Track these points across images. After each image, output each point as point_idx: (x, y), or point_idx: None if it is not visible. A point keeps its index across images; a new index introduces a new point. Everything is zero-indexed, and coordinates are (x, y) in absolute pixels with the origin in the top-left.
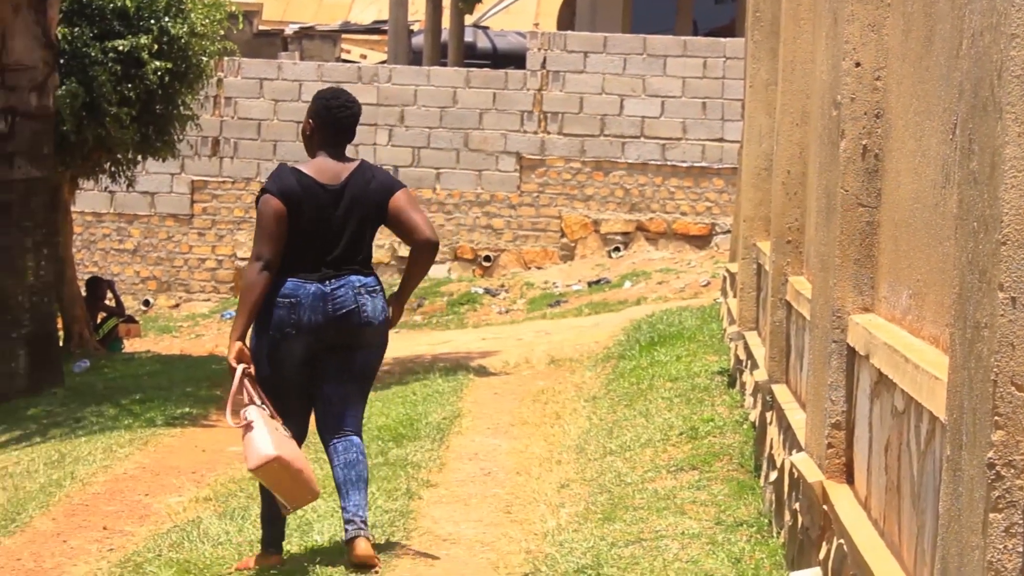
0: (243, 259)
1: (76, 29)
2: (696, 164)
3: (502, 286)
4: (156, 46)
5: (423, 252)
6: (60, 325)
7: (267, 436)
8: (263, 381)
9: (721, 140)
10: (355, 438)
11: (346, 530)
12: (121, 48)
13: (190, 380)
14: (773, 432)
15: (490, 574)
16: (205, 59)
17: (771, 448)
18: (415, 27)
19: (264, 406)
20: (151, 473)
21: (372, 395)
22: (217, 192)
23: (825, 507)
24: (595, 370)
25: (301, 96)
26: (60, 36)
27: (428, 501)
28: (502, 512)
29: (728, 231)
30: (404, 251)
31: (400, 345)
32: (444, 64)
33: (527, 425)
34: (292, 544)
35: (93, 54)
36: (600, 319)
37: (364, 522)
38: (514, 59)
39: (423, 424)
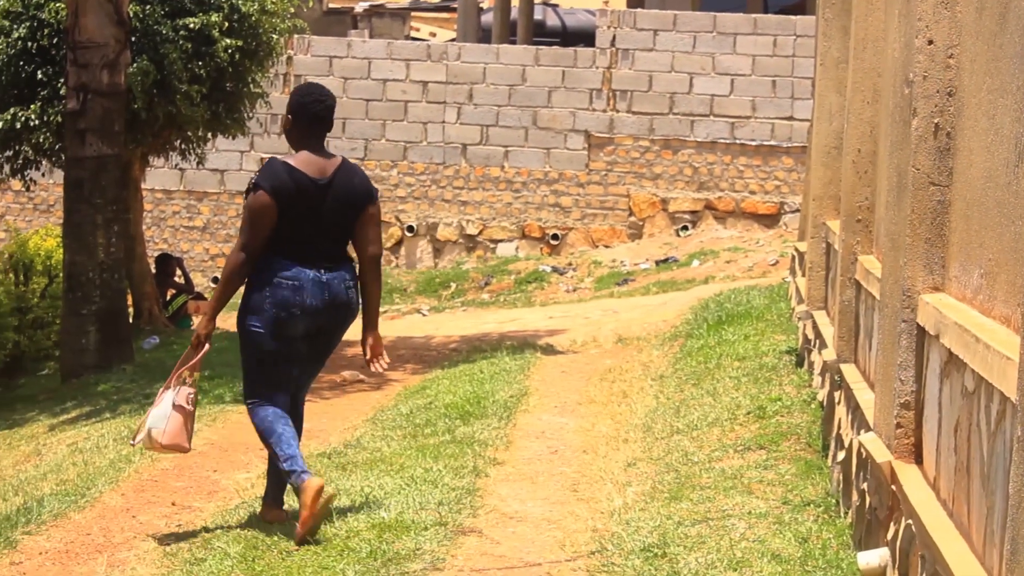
0: None
1: (147, 7)
2: (765, 143)
3: (570, 264)
4: (227, 24)
5: (374, 266)
6: (130, 302)
7: (181, 427)
8: (268, 354)
9: (791, 118)
10: (299, 408)
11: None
12: (192, 26)
13: None
14: (841, 412)
15: (556, 552)
16: (275, 37)
17: (839, 428)
18: (484, 5)
19: (191, 383)
20: (219, 449)
21: (440, 372)
22: None
23: (893, 487)
24: (662, 349)
25: (370, 74)
26: (131, 14)
27: (495, 479)
28: (569, 490)
29: (797, 210)
30: (471, 229)
31: (467, 323)
32: (513, 42)
33: (594, 404)
34: (359, 521)
35: (164, 32)
36: (668, 298)
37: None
38: (583, 37)
39: (490, 402)
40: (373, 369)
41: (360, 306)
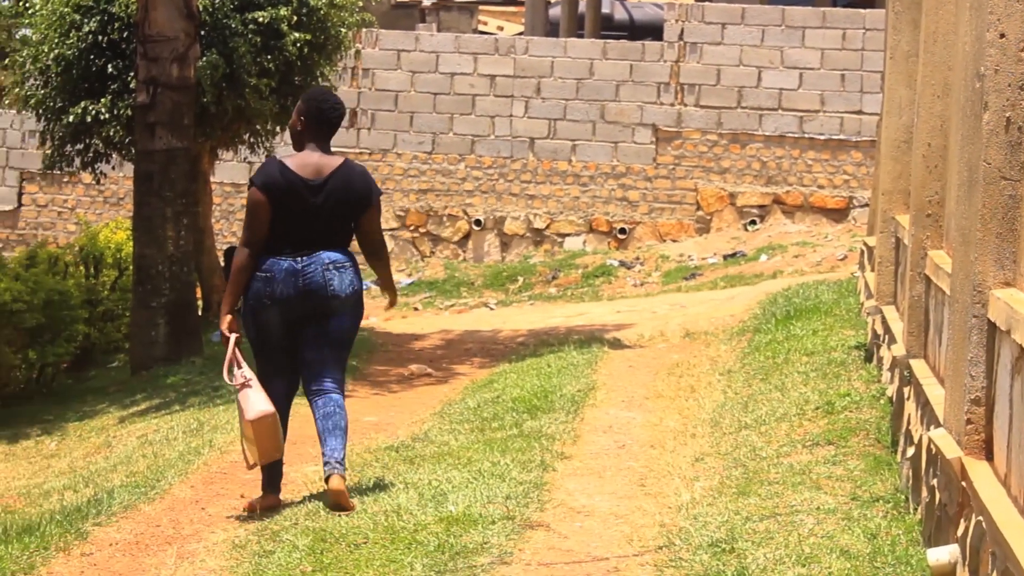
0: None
1: (217, 1)
2: (834, 137)
3: (637, 259)
4: (295, 17)
5: (374, 248)
6: (199, 295)
7: (263, 394)
8: (251, 343)
9: (860, 112)
10: (333, 395)
11: (324, 470)
12: (261, 19)
13: None
14: (911, 407)
15: (624, 547)
16: (343, 30)
17: (908, 423)
18: None
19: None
20: (288, 442)
21: (507, 366)
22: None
23: (963, 484)
24: (730, 344)
25: (438, 68)
26: (201, 8)
27: (562, 473)
28: (636, 485)
29: (866, 204)
30: (538, 224)
31: (534, 317)
32: (581, 36)
33: (662, 398)
34: (427, 514)
35: (234, 25)
36: (735, 292)
37: (339, 462)
38: (651, 31)
39: (557, 396)
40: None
41: (351, 290)
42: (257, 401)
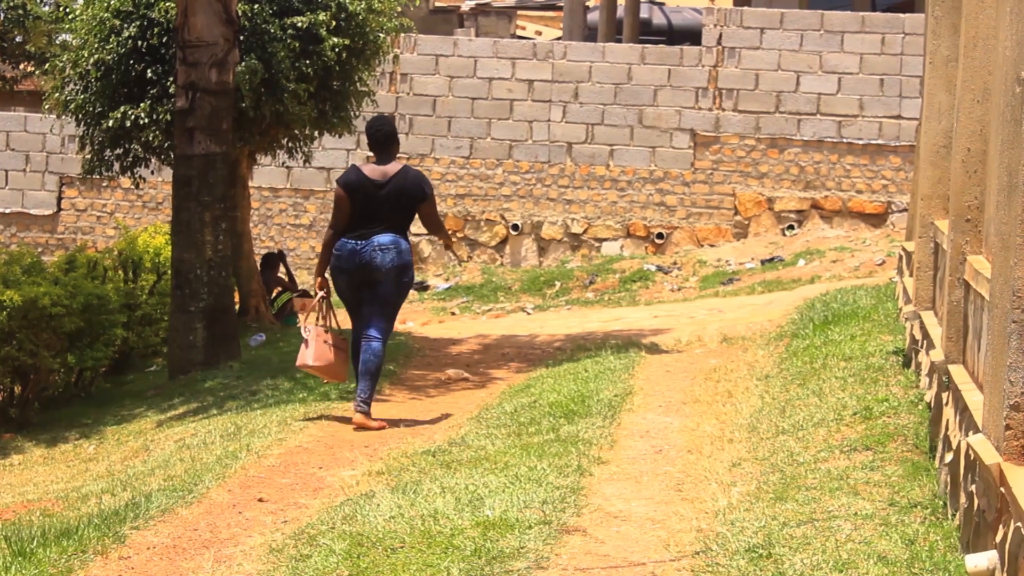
0: (415, 235)
1: (256, 6)
2: (873, 141)
3: (674, 263)
4: (334, 22)
5: (432, 225)
6: (236, 299)
7: (312, 350)
8: (342, 298)
9: (899, 117)
10: (375, 344)
11: (352, 405)
12: (300, 24)
13: None
14: (949, 413)
15: (661, 552)
16: (382, 35)
17: (947, 429)
18: (590, 3)
19: (323, 324)
20: (325, 446)
21: (544, 371)
22: None
23: (1002, 489)
24: (768, 349)
25: (476, 73)
26: (240, 13)
27: (599, 478)
28: (673, 490)
29: (904, 209)
30: (576, 228)
31: (572, 321)
32: (619, 40)
33: (699, 403)
34: (464, 519)
35: (272, 30)
36: (773, 297)
37: (363, 401)
38: (689, 35)
39: (594, 401)
40: (453, 251)
41: (393, 264)
42: (303, 355)
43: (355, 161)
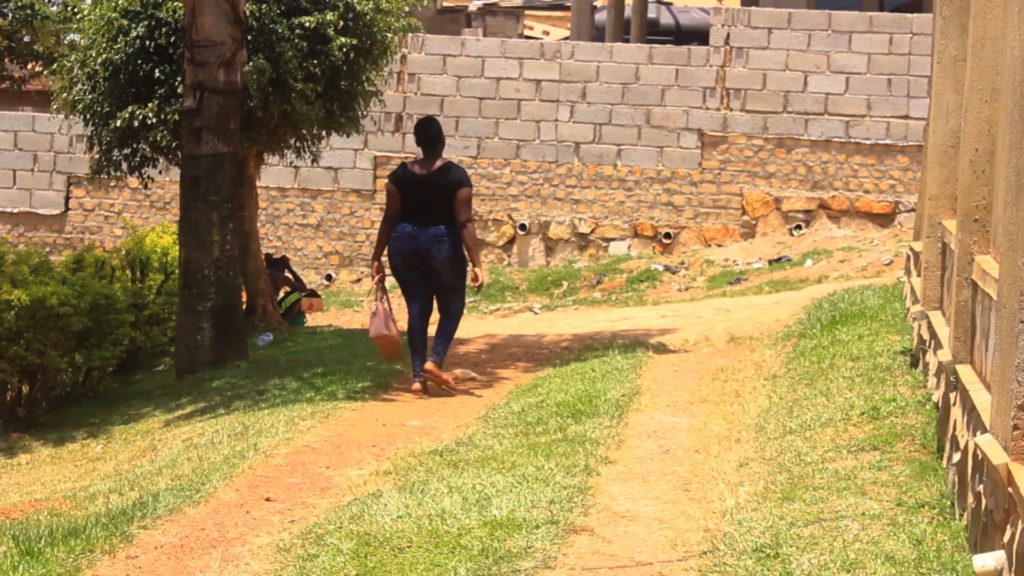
0: None
1: (263, 6)
2: (880, 141)
3: (682, 263)
4: (342, 22)
5: (463, 228)
6: (244, 299)
7: (382, 322)
8: (397, 278)
9: (906, 117)
10: (452, 311)
11: (429, 358)
12: (307, 24)
13: (371, 354)
14: (957, 413)
15: (668, 552)
16: (389, 35)
17: (954, 429)
18: (598, 3)
19: (384, 302)
20: (332, 446)
21: (551, 371)
22: None
23: (1010, 490)
24: (775, 348)
25: (484, 73)
26: (248, 13)
27: (606, 478)
28: (681, 490)
29: (912, 209)
30: (583, 228)
31: (579, 321)
32: (627, 40)
33: (706, 403)
34: (471, 518)
35: (280, 30)
36: (781, 297)
37: (436, 352)
38: (697, 35)
39: (602, 401)
40: (475, 287)
41: (448, 255)
42: (375, 326)
43: (363, 162)
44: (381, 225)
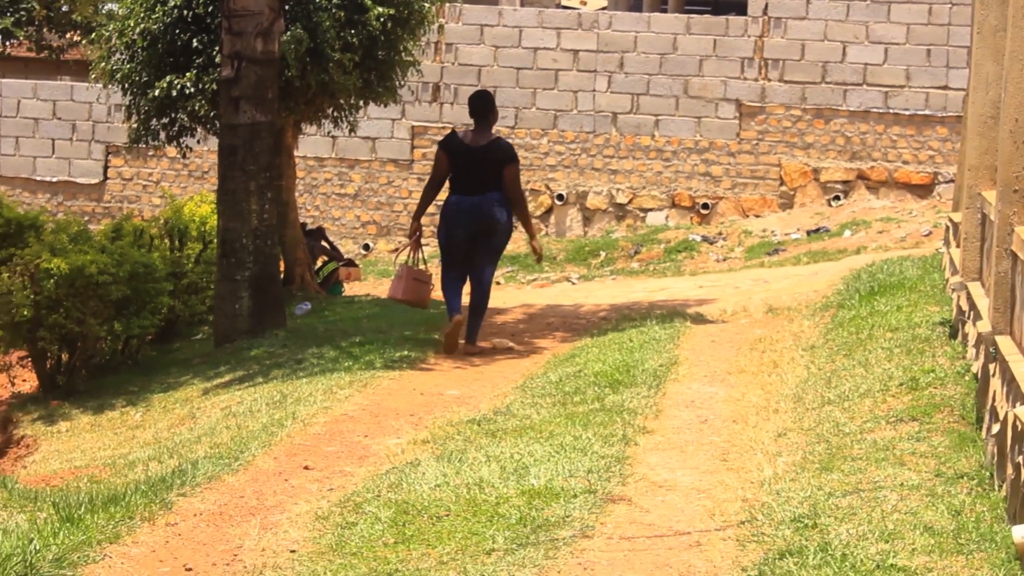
0: None
1: None
2: (919, 112)
3: (720, 234)
4: None
5: (514, 199)
6: (282, 268)
7: (400, 284)
8: (440, 245)
9: (946, 88)
10: (483, 281)
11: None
12: None
13: (408, 323)
14: (996, 384)
15: (706, 521)
16: (427, 5)
17: (994, 400)
18: None
19: (413, 263)
20: (370, 415)
21: (589, 341)
22: (437, 137)
23: None
24: (813, 319)
25: (521, 43)
26: None
27: (644, 448)
28: (718, 460)
29: (951, 180)
30: (621, 198)
31: (617, 291)
32: (664, 10)
33: (744, 373)
34: (509, 487)
35: (317, 0)
36: (819, 268)
37: (472, 333)
38: (735, 5)
39: (639, 371)
40: (536, 257)
41: (506, 219)
42: (394, 288)
43: (401, 131)
44: (425, 189)
